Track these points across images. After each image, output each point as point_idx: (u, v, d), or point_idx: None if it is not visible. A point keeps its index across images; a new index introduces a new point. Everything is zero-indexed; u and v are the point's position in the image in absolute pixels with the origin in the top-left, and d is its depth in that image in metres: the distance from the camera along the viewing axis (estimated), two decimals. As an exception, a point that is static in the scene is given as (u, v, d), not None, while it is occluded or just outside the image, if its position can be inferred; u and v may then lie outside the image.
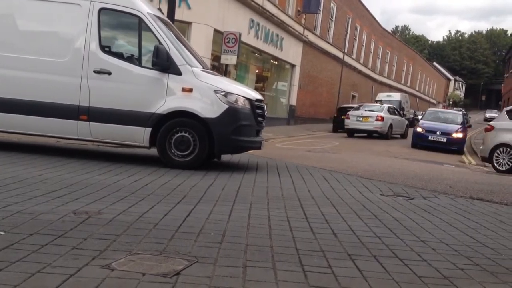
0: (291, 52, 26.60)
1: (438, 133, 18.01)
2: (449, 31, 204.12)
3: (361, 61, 41.88)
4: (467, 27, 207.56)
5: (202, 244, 3.13)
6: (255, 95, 7.41)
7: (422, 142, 18.16)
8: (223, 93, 6.70)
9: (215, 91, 6.69)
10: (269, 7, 22.62)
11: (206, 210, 4.16)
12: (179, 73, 6.70)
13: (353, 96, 40.18)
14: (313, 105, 31.72)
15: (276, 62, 26.04)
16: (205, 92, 6.70)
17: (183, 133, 6.68)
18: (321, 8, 30.30)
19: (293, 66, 27.61)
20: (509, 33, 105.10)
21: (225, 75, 16.21)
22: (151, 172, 6.13)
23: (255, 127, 7.17)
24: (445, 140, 17.85)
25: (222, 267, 2.70)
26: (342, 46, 34.46)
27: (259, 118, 7.22)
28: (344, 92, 36.12)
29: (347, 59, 35.94)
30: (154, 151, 8.30)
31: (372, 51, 45.24)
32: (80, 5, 6.83)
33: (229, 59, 15.85)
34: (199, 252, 2.93)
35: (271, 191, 5.46)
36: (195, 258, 2.81)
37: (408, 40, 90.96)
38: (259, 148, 7.34)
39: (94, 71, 6.70)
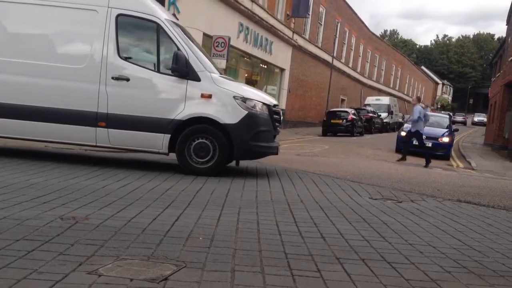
0: (281, 56, 26.66)
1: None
2: (437, 35, 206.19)
3: (350, 65, 42.10)
4: (455, 32, 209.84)
5: (190, 248, 3.12)
6: (272, 100, 7.41)
7: None
8: (242, 99, 6.70)
9: (234, 97, 6.69)
10: (258, 11, 22.66)
11: (195, 214, 4.15)
12: (197, 79, 6.68)
13: (342, 100, 40.36)
14: (303, 109, 31.80)
15: (265, 66, 26.08)
16: (224, 98, 6.69)
17: (202, 140, 6.67)
18: (310, 13, 30.44)
19: (282, 70, 27.67)
20: (496, 37, 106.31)
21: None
22: (139, 176, 6.10)
23: (273, 132, 7.17)
24: (430, 145, 16.94)
25: (210, 272, 2.70)
26: (331, 50, 34.63)
27: (276, 123, 7.23)
28: (333, 96, 36.26)
29: (336, 63, 36.11)
30: (142, 155, 8.28)
31: (361, 55, 45.51)
32: (97, 11, 6.80)
33: (219, 63, 15.83)
34: (187, 257, 2.92)
35: (260, 195, 5.46)
36: (183, 263, 2.80)
37: (397, 44, 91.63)
38: (276, 153, 7.34)
39: (112, 78, 6.67)
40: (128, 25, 6.96)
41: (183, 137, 6.64)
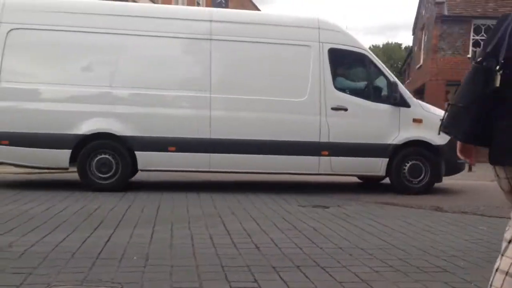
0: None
1: None
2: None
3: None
4: (367, 43, 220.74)
5: (125, 269, 3.05)
6: None
7: None
8: None
9: (440, 119, 6.95)
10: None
11: (127, 233, 4.06)
12: (407, 105, 7.42)
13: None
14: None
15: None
16: (432, 122, 7.20)
17: (414, 161, 7.39)
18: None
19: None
20: (403, 46, 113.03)
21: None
22: (63, 198, 5.86)
23: None
24: None
25: (148, 291, 2.66)
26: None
27: None
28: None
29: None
30: (63, 175, 7.97)
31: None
32: (310, 47, 7.23)
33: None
34: (123, 278, 2.86)
35: (192, 209, 5.44)
36: (119, 285, 2.74)
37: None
38: (464, 168, 8.10)
39: (332, 108, 7.17)
40: (339, 58, 7.42)
41: (399, 160, 7.34)
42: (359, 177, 8.78)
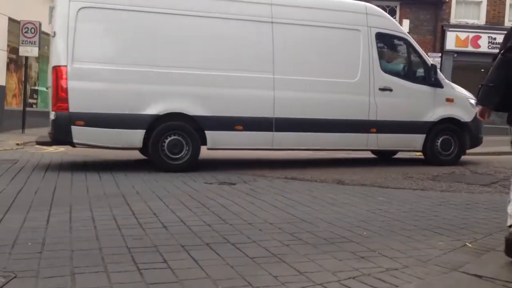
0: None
1: None
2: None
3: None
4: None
5: (19, 256, 2.78)
6: None
7: None
8: (472, 100, 8.07)
9: (467, 99, 8.40)
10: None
11: (19, 218, 3.71)
12: (441, 86, 8.26)
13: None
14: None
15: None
16: (462, 101, 8.41)
17: (446, 136, 8.28)
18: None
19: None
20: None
21: (26, 69, 14.76)
22: None
23: None
24: None
25: (46, 279, 2.43)
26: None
27: None
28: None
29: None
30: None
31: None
32: (360, 31, 7.78)
33: (30, 50, 14.41)
34: (16, 266, 2.60)
35: (92, 190, 5.13)
36: (12, 273, 2.48)
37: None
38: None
39: (379, 89, 7.79)
40: (385, 41, 8.13)
41: (433, 135, 8.20)
42: (376, 152, 9.35)
